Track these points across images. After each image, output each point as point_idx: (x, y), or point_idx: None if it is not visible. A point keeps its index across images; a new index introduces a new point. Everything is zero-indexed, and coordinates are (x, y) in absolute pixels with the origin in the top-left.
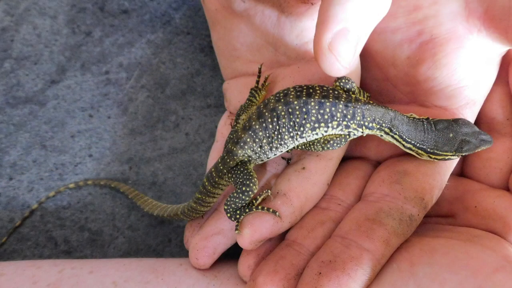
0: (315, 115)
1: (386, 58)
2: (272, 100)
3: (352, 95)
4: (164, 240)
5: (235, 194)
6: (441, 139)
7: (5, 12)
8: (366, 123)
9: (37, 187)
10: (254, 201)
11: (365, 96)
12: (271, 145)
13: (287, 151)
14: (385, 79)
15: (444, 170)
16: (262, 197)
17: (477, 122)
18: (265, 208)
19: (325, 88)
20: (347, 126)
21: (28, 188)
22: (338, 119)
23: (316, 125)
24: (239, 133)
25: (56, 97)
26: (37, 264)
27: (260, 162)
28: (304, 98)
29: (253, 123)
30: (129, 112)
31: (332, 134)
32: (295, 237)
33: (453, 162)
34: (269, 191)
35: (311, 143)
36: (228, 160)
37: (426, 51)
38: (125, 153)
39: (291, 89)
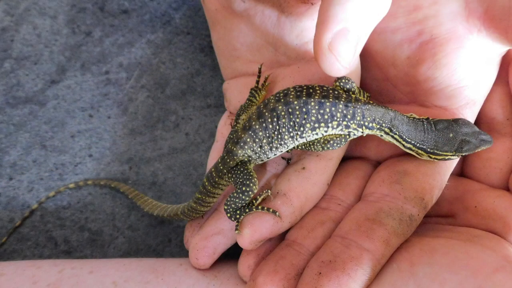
0: (315, 115)
1: (386, 58)
2: (272, 100)
3: (352, 95)
4: (164, 240)
5: (235, 194)
6: (441, 139)
7: (5, 12)
8: (366, 123)
9: (37, 187)
10: (254, 201)
11: (365, 96)
12: (271, 145)
13: (287, 151)
14: (385, 79)
15: (444, 170)
16: (262, 197)
17: (477, 122)
18: (265, 208)
19: (325, 88)
20: (347, 126)
21: (28, 188)
22: (338, 119)
23: (316, 125)
24: (239, 133)
25: (56, 97)
26: (37, 264)
27: (260, 162)
28: (304, 98)
29: (253, 123)
30: (129, 112)
31: (332, 134)
32: (295, 237)
33: (453, 162)
34: (269, 191)
35: (311, 143)
36: (228, 160)
37: (426, 51)
38: (125, 153)
39: (291, 89)
